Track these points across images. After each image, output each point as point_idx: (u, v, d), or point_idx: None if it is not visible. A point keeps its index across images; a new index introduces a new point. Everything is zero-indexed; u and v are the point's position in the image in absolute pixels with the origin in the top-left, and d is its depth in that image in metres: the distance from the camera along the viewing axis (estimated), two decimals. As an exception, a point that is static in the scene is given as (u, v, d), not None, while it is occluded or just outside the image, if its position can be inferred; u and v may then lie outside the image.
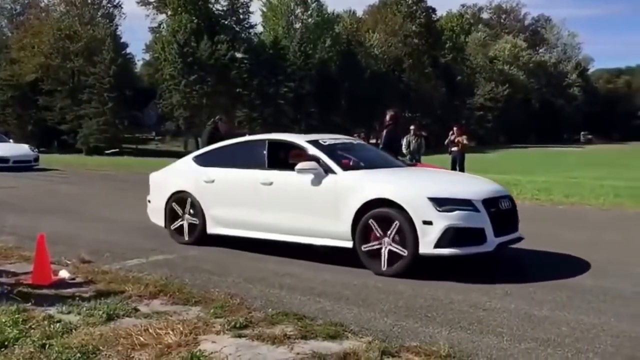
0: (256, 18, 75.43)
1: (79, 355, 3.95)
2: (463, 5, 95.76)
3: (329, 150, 7.33)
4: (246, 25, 67.43)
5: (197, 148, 16.16)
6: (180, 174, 8.30)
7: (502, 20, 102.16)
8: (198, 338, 4.30)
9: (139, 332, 4.34)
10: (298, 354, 4.05)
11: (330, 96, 61.46)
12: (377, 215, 6.37)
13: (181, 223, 8.00)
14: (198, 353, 3.99)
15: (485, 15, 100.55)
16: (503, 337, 4.45)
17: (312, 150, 7.25)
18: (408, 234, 6.17)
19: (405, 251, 6.18)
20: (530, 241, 7.22)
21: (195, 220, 7.84)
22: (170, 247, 7.79)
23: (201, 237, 7.80)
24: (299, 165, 6.95)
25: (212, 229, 7.73)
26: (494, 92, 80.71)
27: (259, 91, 60.81)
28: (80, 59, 56.81)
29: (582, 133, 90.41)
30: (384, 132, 10.85)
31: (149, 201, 8.66)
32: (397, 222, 6.22)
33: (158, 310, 4.96)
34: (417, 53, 74.91)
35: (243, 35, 65.99)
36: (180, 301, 5.21)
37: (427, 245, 6.10)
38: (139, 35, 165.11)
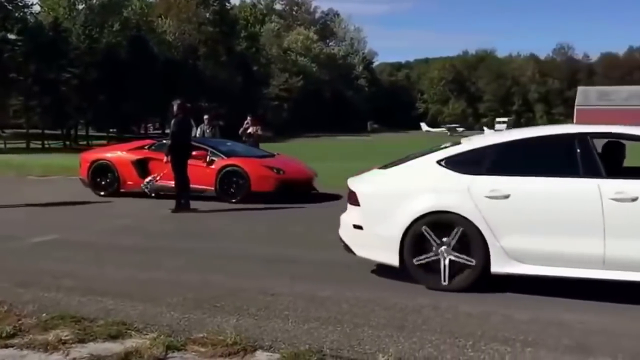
0: (33, -4, 68.52)
1: None
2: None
3: None
4: (20, 4, 60.90)
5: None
6: (429, 186, 5.57)
7: (294, 13, 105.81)
8: (-48, 355, 3.77)
9: None
10: (74, 359, 3.77)
11: (120, 83, 58.33)
12: None
13: (434, 258, 5.42)
14: (-49, 372, 3.50)
15: (278, 7, 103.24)
16: (288, 320, 4.58)
17: None
18: None
19: None
20: (320, 226, 7.53)
21: (469, 260, 5.30)
22: None
23: (479, 279, 5.34)
24: None
25: (501, 266, 5.26)
26: (288, 82, 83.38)
27: (37, 77, 55.51)
28: None
29: (369, 122, 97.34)
30: (172, 122, 10.58)
31: (360, 227, 5.81)
32: None
33: None
34: (211, 41, 74.43)
35: (17, 14, 59.57)
36: None
37: None
38: None
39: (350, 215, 5.96)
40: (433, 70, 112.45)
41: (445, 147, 5.89)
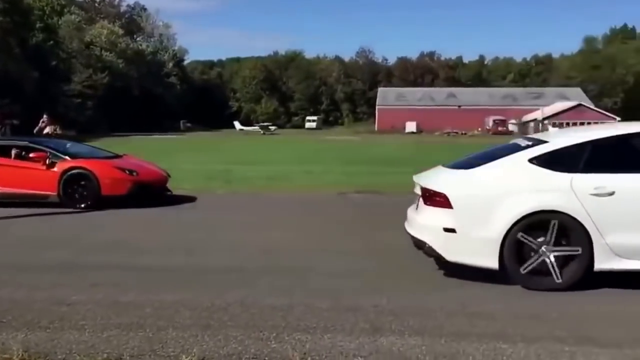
0: None
1: None
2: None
3: None
4: None
5: None
6: (528, 186, 5.45)
7: (96, 5, 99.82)
8: None
9: None
10: None
11: None
12: None
13: (541, 259, 5.34)
14: None
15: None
16: (85, 330, 4.33)
17: None
18: None
19: None
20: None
21: (575, 249, 5.29)
22: None
23: (583, 275, 5.31)
24: None
25: (606, 263, 5.28)
26: (92, 79, 78.41)
27: None
28: None
29: (182, 121, 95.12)
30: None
31: (453, 230, 5.48)
32: None
33: None
34: (2, 32, 67.39)
35: None
36: None
37: None
38: None
39: (433, 218, 5.65)
40: (245, 70, 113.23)
41: (529, 146, 5.85)
